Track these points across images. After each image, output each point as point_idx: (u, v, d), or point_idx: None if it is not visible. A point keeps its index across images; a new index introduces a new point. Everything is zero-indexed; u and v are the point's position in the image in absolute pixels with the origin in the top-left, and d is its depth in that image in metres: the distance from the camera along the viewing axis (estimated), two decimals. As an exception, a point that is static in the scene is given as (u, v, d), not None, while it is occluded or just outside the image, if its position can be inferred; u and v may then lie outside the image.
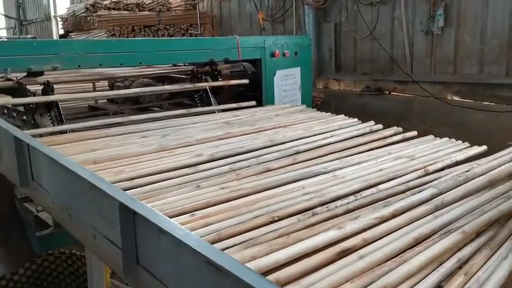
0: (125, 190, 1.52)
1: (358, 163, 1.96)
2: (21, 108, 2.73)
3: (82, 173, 1.34)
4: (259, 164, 1.94)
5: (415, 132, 2.48)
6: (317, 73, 6.46)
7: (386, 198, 1.55)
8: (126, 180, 1.67)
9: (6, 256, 2.31)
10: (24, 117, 2.71)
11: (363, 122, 2.70)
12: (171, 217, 1.37)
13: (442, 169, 1.90)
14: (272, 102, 3.57)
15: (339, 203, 1.51)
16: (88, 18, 8.28)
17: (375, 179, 1.73)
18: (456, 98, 5.19)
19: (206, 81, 3.37)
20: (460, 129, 4.41)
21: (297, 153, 2.09)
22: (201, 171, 1.82)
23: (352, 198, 1.56)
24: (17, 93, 2.73)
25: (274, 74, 3.62)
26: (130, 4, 8.43)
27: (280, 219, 1.38)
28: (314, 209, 1.46)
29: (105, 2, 8.58)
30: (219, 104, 3.33)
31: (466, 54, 5.08)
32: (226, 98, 3.47)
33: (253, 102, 3.32)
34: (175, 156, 1.98)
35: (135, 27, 8.20)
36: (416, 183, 1.71)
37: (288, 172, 1.82)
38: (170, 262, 0.98)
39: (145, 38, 4.07)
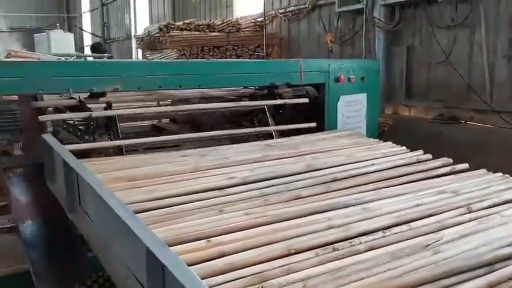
0: (151, 210, 1.62)
1: (395, 196, 1.82)
2: (83, 128, 2.78)
3: (117, 208, 1.27)
4: (290, 190, 1.87)
5: (466, 165, 2.27)
6: (386, 98, 6.16)
7: (418, 236, 1.45)
8: (154, 200, 1.71)
9: (57, 276, 2.31)
10: (86, 136, 2.76)
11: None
12: (186, 242, 1.38)
13: (488, 208, 1.71)
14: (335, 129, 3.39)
15: (363, 239, 1.42)
16: (161, 38, 8.59)
17: (409, 215, 1.61)
18: (543, 131, 4.69)
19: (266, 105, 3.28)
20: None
21: (333, 181, 2.01)
22: (229, 195, 1.81)
23: (379, 234, 1.46)
24: (80, 112, 2.79)
25: (338, 100, 3.45)
26: (201, 25, 8.66)
27: (297, 252, 1.34)
28: (335, 244, 1.38)
29: (178, 23, 8.88)
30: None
31: (555, 83, 4.60)
32: (287, 122, 3.35)
33: (314, 124, 3.17)
34: (208, 178, 1.98)
35: (205, 48, 8.38)
36: (455, 221, 1.57)
37: (318, 201, 1.75)
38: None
39: (206, 60, 4.06)
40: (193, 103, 3.58)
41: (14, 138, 2.74)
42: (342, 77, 3.40)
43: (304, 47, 8.28)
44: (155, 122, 3.98)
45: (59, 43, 16.62)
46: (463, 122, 5.37)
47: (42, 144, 2.30)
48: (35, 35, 18.08)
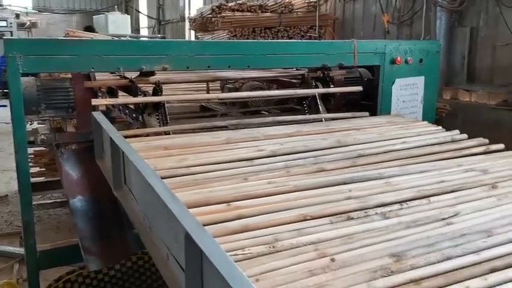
0: (180, 176, 1.71)
1: (419, 172, 1.81)
2: (132, 106, 2.80)
3: (159, 188, 1.24)
4: (315, 164, 1.90)
5: (501, 145, 2.18)
6: (444, 82, 5.84)
7: (435, 209, 1.47)
8: (184, 167, 1.79)
9: (105, 251, 2.36)
10: (134, 114, 2.79)
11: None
12: (209, 204, 1.47)
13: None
14: (388, 113, 3.23)
15: (380, 210, 1.45)
16: (213, 19, 8.57)
17: (431, 190, 1.60)
18: None
19: (317, 87, 3.17)
20: None
21: (358, 156, 2.02)
22: (255, 166, 1.86)
23: (396, 206, 1.49)
24: (130, 91, 2.82)
25: (393, 83, 3.27)
26: (253, 6, 8.55)
27: (312, 218, 1.39)
28: (350, 213, 1.43)
29: (230, 4, 8.82)
30: (329, 111, 3.11)
31: None
32: (338, 106, 3.24)
33: (366, 113, 3.03)
34: (238, 150, 2.05)
35: (256, 29, 8.28)
36: (476, 197, 1.57)
37: (341, 174, 1.78)
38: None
39: (255, 41, 3.99)
40: (242, 84, 3.53)
41: (67, 116, 2.83)
42: (399, 58, 3.22)
43: (358, 28, 8.00)
44: (203, 103, 3.98)
45: (116, 25, 17.10)
46: (530, 109, 4.99)
47: (92, 122, 2.33)
48: (94, 16, 18.70)
